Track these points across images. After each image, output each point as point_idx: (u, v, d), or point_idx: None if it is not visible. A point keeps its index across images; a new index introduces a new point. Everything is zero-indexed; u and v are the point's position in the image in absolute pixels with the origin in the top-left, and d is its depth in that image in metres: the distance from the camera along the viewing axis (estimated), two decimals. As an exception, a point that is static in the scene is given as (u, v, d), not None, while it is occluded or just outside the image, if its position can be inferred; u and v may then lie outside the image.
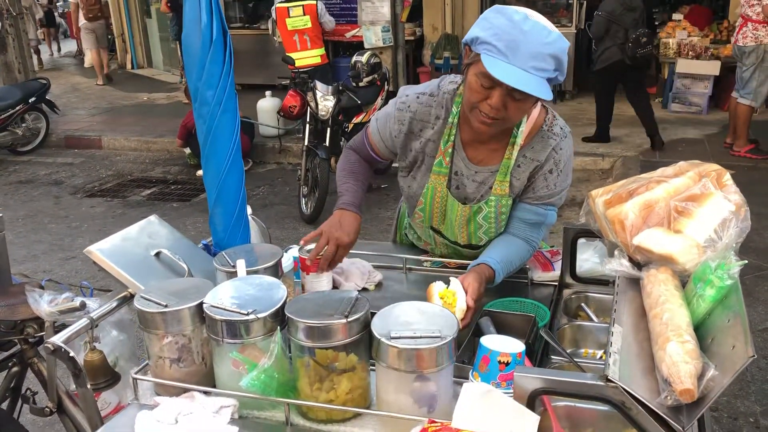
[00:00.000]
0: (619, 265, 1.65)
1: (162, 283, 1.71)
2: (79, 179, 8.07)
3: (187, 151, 8.07)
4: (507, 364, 1.42)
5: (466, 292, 1.79)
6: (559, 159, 1.99)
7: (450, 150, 2.04)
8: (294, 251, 2.14)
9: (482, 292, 1.83)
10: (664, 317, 1.42)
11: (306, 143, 6.30)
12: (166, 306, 1.57)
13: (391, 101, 2.15)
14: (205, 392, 1.58)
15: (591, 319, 1.98)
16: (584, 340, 1.90)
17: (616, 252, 1.68)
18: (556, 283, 2.10)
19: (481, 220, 2.06)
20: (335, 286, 2.15)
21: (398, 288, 2.19)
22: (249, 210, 2.38)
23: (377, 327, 1.45)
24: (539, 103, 2.01)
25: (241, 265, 1.72)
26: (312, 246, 2.07)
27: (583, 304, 2.04)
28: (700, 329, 1.44)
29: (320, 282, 2.07)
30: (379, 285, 2.20)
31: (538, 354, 1.72)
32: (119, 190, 7.63)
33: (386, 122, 2.12)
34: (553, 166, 1.99)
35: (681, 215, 1.61)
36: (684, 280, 1.58)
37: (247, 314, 1.50)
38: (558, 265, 2.13)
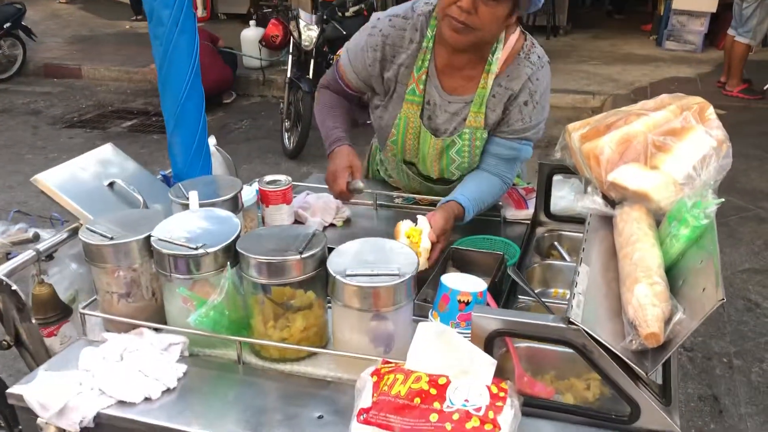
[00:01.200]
0: (592, 203, 1.57)
1: (112, 214, 1.61)
2: (58, 109, 7.85)
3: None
4: (467, 303, 1.35)
5: (432, 224, 1.72)
6: (535, 90, 1.88)
7: (423, 77, 1.93)
8: (266, 179, 2.06)
9: (449, 229, 1.76)
10: (634, 257, 1.35)
11: (289, 75, 6.12)
12: (112, 238, 1.48)
13: (361, 29, 2.02)
14: (155, 329, 1.51)
15: (564, 259, 1.92)
16: (555, 279, 1.84)
17: (589, 188, 1.60)
18: (530, 221, 2.03)
19: (454, 154, 1.97)
20: (300, 221, 2.07)
21: (367, 225, 2.11)
22: (213, 141, 2.28)
23: (333, 264, 1.38)
24: (518, 30, 1.89)
25: (194, 197, 1.63)
26: (272, 178, 2.00)
27: (556, 243, 1.97)
28: (672, 271, 1.38)
29: (281, 215, 2.00)
30: (347, 221, 2.12)
31: (504, 293, 1.66)
32: (99, 121, 7.45)
33: (358, 52, 2.00)
34: (528, 98, 1.89)
35: (659, 150, 1.52)
36: (659, 219, 1.50)
37: (197, 248, 1.42)
38: (532, 203, 2.04)
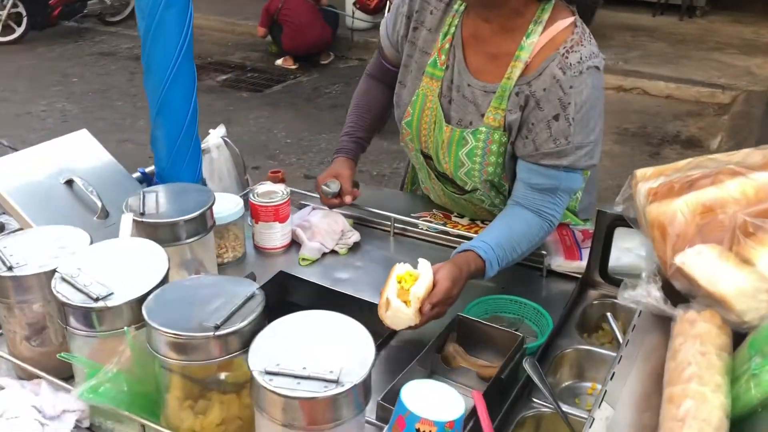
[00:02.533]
0: (645, 295, 1.11)
1: (33, 230, 1.32)
2: (158, 57, 7.83)
3: (269, 39, 7.66)
4: (428, 436, 0.95)
5: (434, 286, 1.31)
6: (568, 102, 1.43)
7: (447, 46, 1.57)
8: (261, 188, 1.71)
9: (456, 294, 1.35)
10: (683, 406, 0.90)
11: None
12: (10, 268, 1.18)
13: None
14: (56, 384, 1.21)
15: (615, 337, 1.46)
16: (594, 368, 1.40)
17: (643, 273, 1.15)
18: (580, 276, 1.58)
19: (464, 156, 1.57)
20: (296, 242, 1.72)
21: (377, 255, 1.72)
22: (221, 131, 1.96)
23: (256, 353, 1.01)
24: (571, 18, 1.46)
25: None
26: (269, 188, 1.68)
27: (609, 315, 1.50)
28: (738, 426, 0.92)
29: (272, 235, 1.66)
30: (355, 247, 1.74)
31: (515, 389, 1.24)
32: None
33: (391, 19, 1.70)
34: (560, 110, 1.44)
35: (753, 238, 1.04)
36: (743, 331, 1.04)
37: (96, 300, 1.09)
38: (588, 253, 1.59)
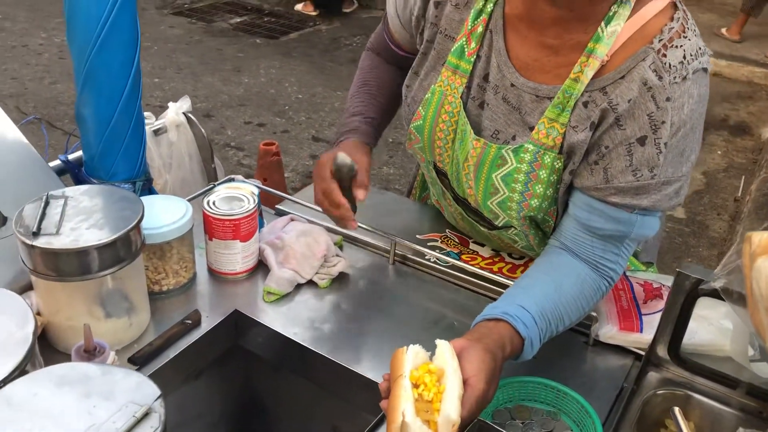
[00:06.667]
0: None
1: None
2: (173, -7, 7.35)
3: (289, -21, 7.15)
4: None
5: (465, 386, 0.88)
6: (662, 120, 0.99)
7: (480, 29, 1.11)
8: (221, 191, 1.28)
9: (490, 397, 0.92)
10: None
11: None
12: None
13: None
14: None
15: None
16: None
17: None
18: (642, 353, 1.16)
19: (500, 181, 1.12)
20: (263, 263, 1.31)
21: (370, 292, 1.30)
22: (185, 103, 1.54)
23: None
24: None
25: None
26: (233, 191, 1.27)
27: (676, 410, 1.08)
28: None
29: (230, 257, 1.25)
30: (341, 278, 1.32)
31: None
32: (208, 12, 6.90)
33: None
34: (648, 131, 1.00)
35: None
36: None
37: None
38: (653, 323, 1.16)
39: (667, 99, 0.97)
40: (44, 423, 0.68)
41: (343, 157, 1.13)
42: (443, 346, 0.91)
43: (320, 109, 4.95)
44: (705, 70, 1.00)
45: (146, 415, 0.69)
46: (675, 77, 0.97)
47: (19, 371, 0.75)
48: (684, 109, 0.98)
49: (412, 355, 0.90)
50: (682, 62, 0.97)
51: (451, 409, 0.84)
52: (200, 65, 5.47)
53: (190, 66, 5.45)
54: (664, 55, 0.97)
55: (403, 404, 0.83)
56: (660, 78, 0.97)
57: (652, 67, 0.98)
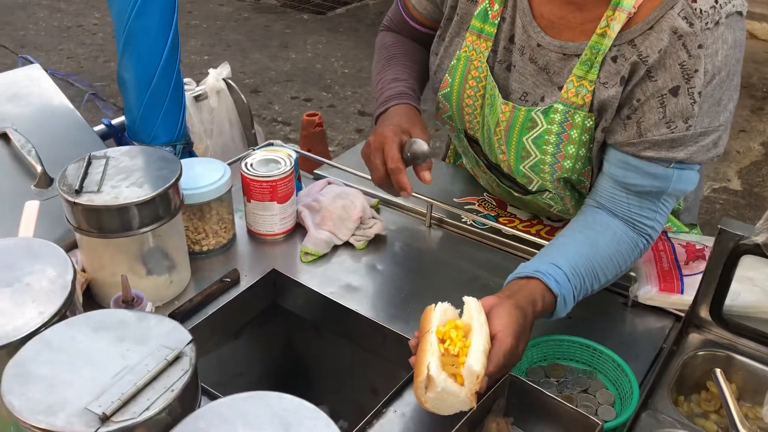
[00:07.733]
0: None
1: None
2: (226, -30, 7.41)
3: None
4: None
5: (492, 341, 0.88)
6: (695, 68, 0.96)
7: None
8: (259, 154, 1.30)
9: (519, 352, 0.91)
10: None
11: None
12: None
13: None
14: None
15: (725, 405, 1.02)
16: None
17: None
18: (682, 315, 1.14)
19: (531, 144, 1.10)
20: (301, 225, 1.33)
21: (406, 254, 1.30)
22: (225, 70, 1.56)
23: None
24: None
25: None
26: (269, 155, 1.28)
27: (718, 372, 1.06)
28: None
29: (268, 218, 1.27)
30: (377, 240, 1.32)
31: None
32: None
33: None
34: (681, 81, 0.97)
35: None
36: None
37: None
38: (693, 284, 1.13)
39: (700, 46, 0.94)
40: (80, 364, 0.70)
41: (420, 144, 1.06)
42: (471, 303, 0.91)
43: (366, 83, 4.95)
44: (740, 13, 0.97)
45: (177, 358, 0.71)
46: (707, 23, 0.94)
47: (59, 316, 0.78)
48: (718, 56, 0.95)
49: (440, 312, 0.91)
50: (714, 6, 0.94)
51: (474, 361, 0.84)
52: (248, 42, 5.52)
53: (239, 43, 5.51)
54: (694, 1, 0.94)
55: (429, 358, 0.84)
56: (691, 25, 0.94)
57: (681, 14, 0.94)
